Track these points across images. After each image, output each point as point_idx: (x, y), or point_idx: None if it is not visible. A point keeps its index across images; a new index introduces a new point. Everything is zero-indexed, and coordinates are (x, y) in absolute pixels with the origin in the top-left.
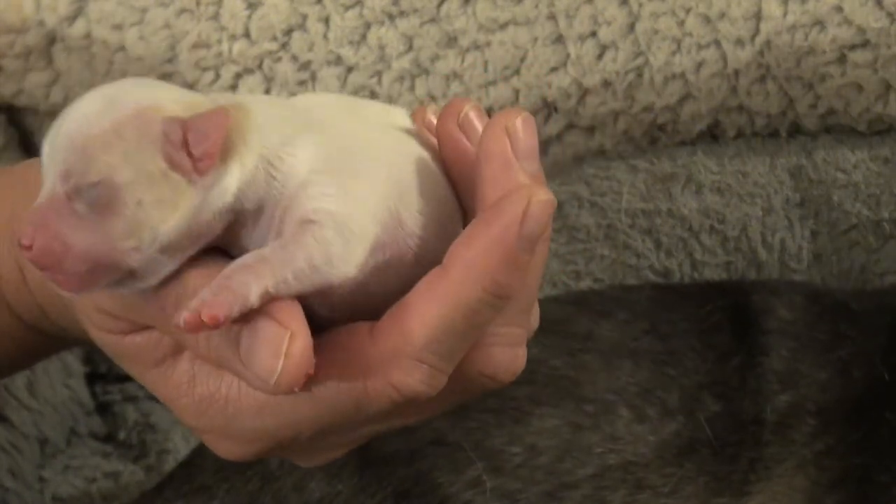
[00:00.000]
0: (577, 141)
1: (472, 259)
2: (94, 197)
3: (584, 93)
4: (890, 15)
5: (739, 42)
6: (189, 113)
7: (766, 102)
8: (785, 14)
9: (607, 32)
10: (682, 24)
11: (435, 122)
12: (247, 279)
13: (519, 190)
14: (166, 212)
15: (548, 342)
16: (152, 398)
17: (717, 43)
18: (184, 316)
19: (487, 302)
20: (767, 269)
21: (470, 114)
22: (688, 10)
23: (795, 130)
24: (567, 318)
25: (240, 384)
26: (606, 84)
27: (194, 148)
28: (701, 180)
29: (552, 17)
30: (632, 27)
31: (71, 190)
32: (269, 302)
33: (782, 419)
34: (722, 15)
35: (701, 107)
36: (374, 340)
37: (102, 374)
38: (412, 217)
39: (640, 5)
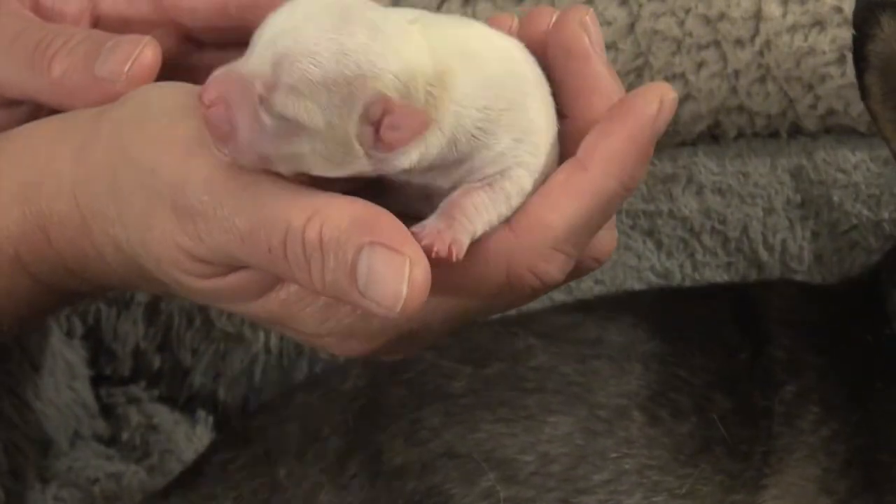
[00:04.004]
0: None
1: (610, 154)
2: (279, 121)
3: None
4: None
5: (739, 42)
6: (401, 97)
7: (766, 103)
8: (785, 14)
9: (607, 33)
10: (682, 24)
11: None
12: (471, 218)
13: (651, 89)
14: (330, 167)
15: (557, 349)
16: (156, 400)
17: (717, 43)
18: (436, 248)
19: (621, 194)
20: (768, 270)
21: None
22: (688, 11)
23: (796, 131)
24: (575, 325)
25: None
26: None
27: (384, 134)
28: (702, 181)
29: None
30: (632, 27)
31: (265, 98)
32: (371, 225)
33: (789, 409)
34: (722, 15)
35: (701, 107)
36: (516, 233)
37: (107, 376)
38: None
39: (640, 6)
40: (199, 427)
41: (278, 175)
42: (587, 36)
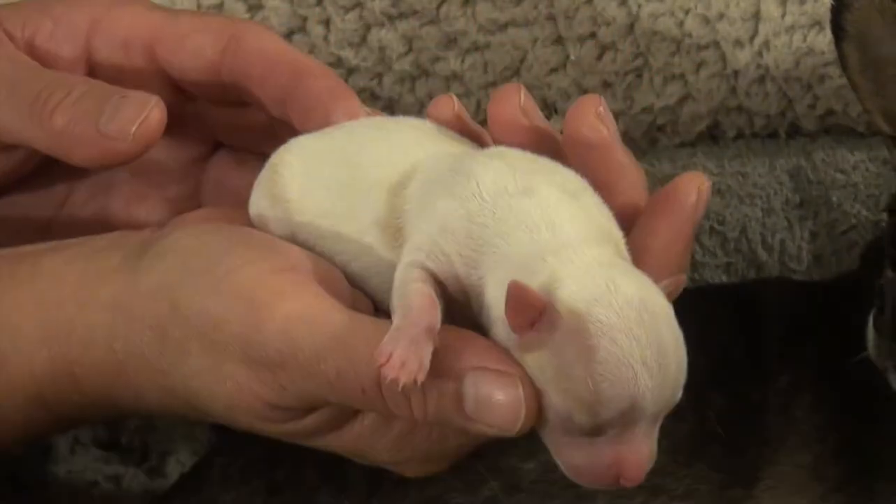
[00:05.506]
0: None
1: (661, 250)
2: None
3: (584, 93)
4: None
5: (738, 43)
6: None
7: (765, 103)
8: (783, 15)
9: (607, 33)
10: (681, 24)
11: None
12: None
13: (686, 180)
14: None
15: None
16: None
17: (717, 44)
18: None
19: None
20: (767, 270)
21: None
22: (687, 11)
23: (795, 131)
24: None
25: None
26: (606, 85)
27: None
28: None
29: (551, 17)
30: (631, 28)
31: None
32: (468, 350)
33: (783, 399)
34: (721, 16)
35: (700, 107)
36: None
37: None
38: None
39: (640, 6)
40: (199, 429)
41: (354, 309)
42: (605, 127)
